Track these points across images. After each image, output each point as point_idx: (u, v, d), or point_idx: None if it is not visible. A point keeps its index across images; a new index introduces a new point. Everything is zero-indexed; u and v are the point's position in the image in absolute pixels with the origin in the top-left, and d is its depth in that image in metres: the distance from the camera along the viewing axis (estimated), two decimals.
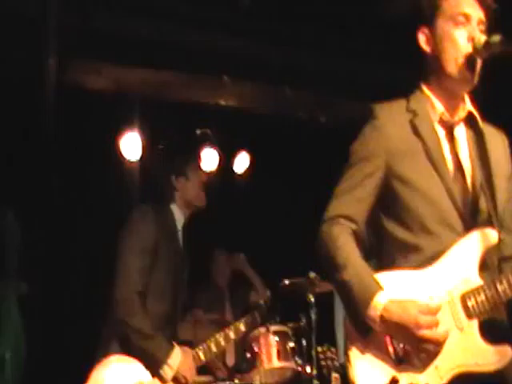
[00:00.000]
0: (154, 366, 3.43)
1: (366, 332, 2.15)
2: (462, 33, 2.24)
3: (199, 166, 3.86)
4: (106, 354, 3.44)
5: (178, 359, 3.47)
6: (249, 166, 6.24)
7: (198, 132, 5.99)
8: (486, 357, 2.10)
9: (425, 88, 2.36)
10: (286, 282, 4.38)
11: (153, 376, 3.44)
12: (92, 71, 5.01)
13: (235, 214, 6.02)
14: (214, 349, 3.69)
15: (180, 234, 3.77)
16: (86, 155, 5.38)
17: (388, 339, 2.15)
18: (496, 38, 2.17)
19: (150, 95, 5.27)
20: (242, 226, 5.98)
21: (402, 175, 2.26)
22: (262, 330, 4.26)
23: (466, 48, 2.23)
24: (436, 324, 2.07)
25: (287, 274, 4.32)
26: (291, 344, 4.29)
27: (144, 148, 5.74)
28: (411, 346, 2.09)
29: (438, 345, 2.06)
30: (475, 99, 2.38)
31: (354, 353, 2.19)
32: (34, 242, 4.83)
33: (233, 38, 4.91)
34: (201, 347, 3.67)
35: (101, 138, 5.43)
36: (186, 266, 3.82)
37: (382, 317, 2.10)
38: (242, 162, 6.27)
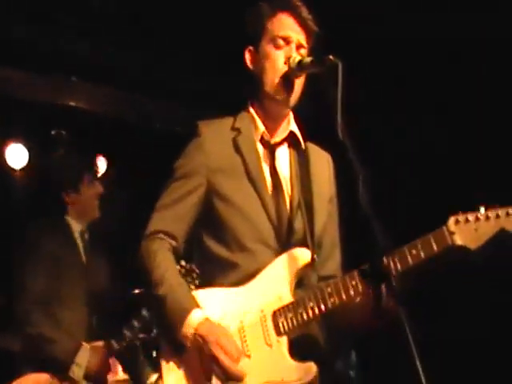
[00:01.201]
0: (61, 369, 3.40)
1: (180, 349, 2.15)
2: (280, 53, 2.29)
3: (92, 179, 3.88)
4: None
5: (85, 357, 3.44)
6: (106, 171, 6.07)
7: (53, 132, 5.82)
8: (292, 373, 2.13)
9: (250, 107, 2.39)
10: (136, 291, 4.32)
11: (63, 381, 3.40)
12: None
13: None
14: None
15: (79, 240, 3.80)
16: None
17: (199, 356, 2.14)
18: (308, 59, 2.23)
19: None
20: None
21: (222, 193, 2.28)
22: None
23: (283, 69, 2.27)
24: (235, 358, 2.08)
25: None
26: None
27: None
28: (213, 365, 2.09)
29: (229, 377, 2.07)
30: (303, 118, 2.41)
31: (167, 369, 2.18)
32: None
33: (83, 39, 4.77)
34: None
35: None
36: (92, 276, 3.79)
37: (194, 334, 2.11)
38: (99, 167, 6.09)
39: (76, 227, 3.81)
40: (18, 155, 5.56)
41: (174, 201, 2.29)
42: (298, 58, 2.25)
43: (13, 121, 5.34)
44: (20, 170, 5.60)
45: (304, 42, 2.32)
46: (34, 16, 4.54)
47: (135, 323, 3.84)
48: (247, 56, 2.37)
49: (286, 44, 2.30)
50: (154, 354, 4.29)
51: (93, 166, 4.01)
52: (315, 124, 2.50)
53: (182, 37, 4.85)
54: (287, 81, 2.27)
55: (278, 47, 2.29)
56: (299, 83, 2.31)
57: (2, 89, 5.04)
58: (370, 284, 1.97)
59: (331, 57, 2.10)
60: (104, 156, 6.00)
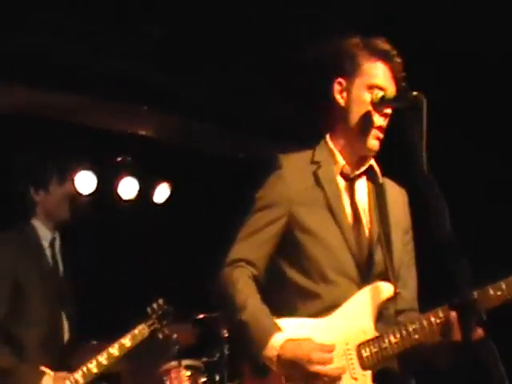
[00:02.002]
0: None
1: (263, 373, 2.18)
2: None
3: (63, 179, 3.73)
4: None
5: None
6: (168, 197, 6.17)
7: (119, 159, 5.94)
8: None
9: (329, 140, 2.44)
10: (200, 316, 4.35)
11: None
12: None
13: (152, 245, 5.95)
14: (94, 370, 3.48)
15: (48, 250, 3.65)
16: None
17: (283, 379, 2.16)
18: (391, 94, 2.29)
19: (65, 120, 5.16)
20: (158, 257, 5.91)
21: (304, 224, 2.32)
22: (174, 363, 4.20)
23: (377, 128, 2.34)
24: (329, 361, 2.12)
25: (201, 308, 4.26)
26: (203, 379, 4.27)
27: None
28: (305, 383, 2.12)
29: (330, 380, 2.10)
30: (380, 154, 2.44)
31: None
32: None
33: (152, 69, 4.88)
34: (79, 370, 3.46)
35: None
36: (64, 285, 3.69)
37: (278, 356, 2.14)
38: (162, 193, 6.19)
39: (44, 233, 3.65)
40: (86, 181, 5.71)
41: (255, 230, 2.35)
42: (381, 93, 2.30)
43: (82, 148, 5.48)
44: (88, 195, 5.75)
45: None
46: (106, 47, 4.67)
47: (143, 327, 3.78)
48: (336, 87, 2.40)
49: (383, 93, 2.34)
50: (217, 377, 4.33)
51: (64, 166, 3.81)
52: (388, 158, 2.53)
53: (249, 64, 4.92)
54: (378, 133, 2.35)
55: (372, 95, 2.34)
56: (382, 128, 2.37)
57: (72, 116, 5.19)
58: (460, 318, 2.01)
59: (415, 93, 2.14)
60: (168, 182, 6.12)
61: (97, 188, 5.63)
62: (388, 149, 2.43)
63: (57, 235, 3.72)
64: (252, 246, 2.34)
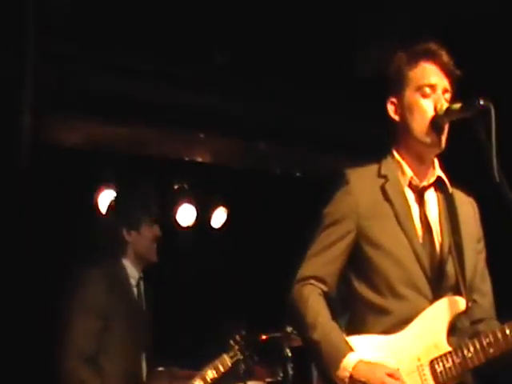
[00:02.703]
0: None
1: None
2: (429, 103, 2.32)
3: (153, 220, 3.79)
4: None
5: None
6: (226, 221, 6.21)
7: (176, 187, 6.02)
8: None
9: (395, 153, 2.42)
10: (264, 336, 4.35)
11: None
12: (67, 128, 5.01)
13: (211, 268, 5.98)
14: None
15: (135, 289, 3.73)
16: (61, 212, 5.33)
17: None
18: (457, 105, 2.26)
19: (124, 151, 5.27)
20: (218, 280, 5.94)
21: (373, 238, 2.31)
22: None
23: (432, 115, 2.30)
24: None
25: (264, 328, 4.27)
26: None
27: None
28: None
29: None
30: (445, 164, 2.43)
31: None
32: None
33: (208, 94, 4.95)
34: None
35: (77, 195, 5.40)
36: (146, 321, 3.76)
37: (351, 377, 2.13)
38: (219, 217, 6.25)
39: (133, 273, 3.72)
40: None
41: (325, 247, 2.34)
42: (446, 105, 2.28)
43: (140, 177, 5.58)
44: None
45: (449, 87, 2.34)
46: (162, 75, 4.75)
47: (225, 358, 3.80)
48: (390, 107, 2.41)
49: (433, 91, 2.32)
50: None
51: (153, 208, 3.88)
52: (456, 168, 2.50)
53: (299, 84, 4.94)
54: (437, 124, 2.29)
55: (424, 96, 2.32)
56: (447, 126, 2.33)
57: (128, 146, 5.30)
58: None
59: (482, 101, 2.12)
60: (225, 207, 6.18)
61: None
62: (456, 158, 2.39)
63: (142, 274, 3.81)
64: (322, 262, 2.33)
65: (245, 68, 4.90)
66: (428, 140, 2.31)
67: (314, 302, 2.28)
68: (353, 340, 2.23)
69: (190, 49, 4.68)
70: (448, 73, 2.34)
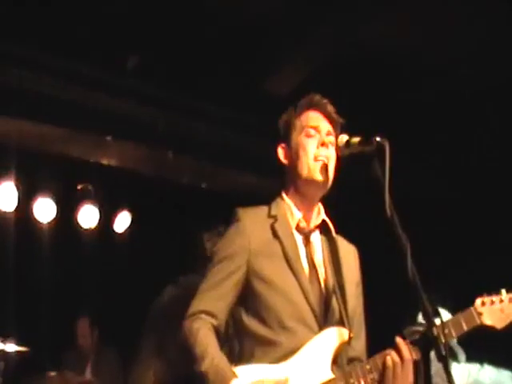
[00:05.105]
0: None
1: None
2: (313, 141, 2.46)
3: None
4: None
5: None
6: (129, 226, 6.15)
7: (79, 187, 5.92)
8: None
9: (284, 196, 2.53)
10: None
11: None
12: None
13: (112, 274, 5.91)
14: None
15: None
16: None
17: None
18: (355, 138, 2.35)
19: (29, 147, 5.13)
20: (118, 286, 5.88)
21: (262, 274, 2.38)
22: None
23: (316, 154, 2.43)
24: None
25: None
26: None
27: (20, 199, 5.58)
28: None
29: None
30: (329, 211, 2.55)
31: None
32: None
33: (118, 98, 4.90)
34: None
35: None
36: None
37: None
38: (122, 222, 6.17)
39: None
40: (45, 209, 5.67)
41: (215, 282, 2.40)
42: (346, 137, 2.37)
43: (41, 175, 5.45)
44: (47, 223, 5.71)
45: (332, 131, 2.49)
46: (74, 74, 4.68)
47: None
48: (280, 152, 2.53)
49: (317, 132, 2.46)
50: None
51: None
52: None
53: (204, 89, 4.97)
54: (323, 166, 2.42)
55: (309, 136, 2.46)
56: (332, 168, 2.45)
57: (34, 144, 5.16)
58: (421, 349, 2.15)
59: (378, 138, 2.22)
60: (129, 211, 6.11)
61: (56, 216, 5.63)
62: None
63: None
64: (212, 297, 2.38)
65: (158, 76, 4.88)
66: (315, 177, 2.42)
67: (203, 336, 2.31)
68: (239, 369, 2.26)
69: (105, 51, 4.62)
70: (331, 119, 2.50)
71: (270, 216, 2.47)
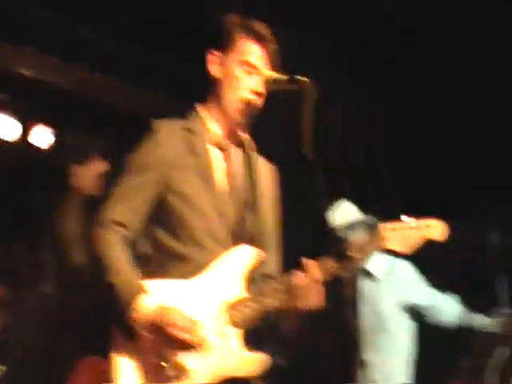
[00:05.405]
0: None
1: (131, 336, 2.20)
2: (248, 82, 2.43)
3: None
4: None
5: None
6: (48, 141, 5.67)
7: None
8: (246, 364, 2.26)
9: (201, 110, 2.51)
10: None
11: None
12: None
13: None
14: None
15: None
16: None
17: (151, 344, 2.19)
18: (284, 76, 2.40)
19: None
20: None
21: (177, 188, 2.36)
22: None
23: (251, 96, 2.42)
24: (192, 330, 2.17)
25: None
26: None
27: None
28: (168, 348, 2.17)
29: (192, 346, 2.16)
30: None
31: (119, 358, 2.22)
32: None
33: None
34: None
35: None
36: None
37: (142, 319, 2.16)
38: (40, 135, 5.70)
39: None
40: None
41: (128, 192, 2.35)
42: (275, 74, 2.41)
43: None
44: None
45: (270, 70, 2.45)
46: None
47: None
48: (210, 59, 2.49)
49: (256, 72, 2.43)
50: None
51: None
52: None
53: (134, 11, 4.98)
54: (248, 107, 2.43)
55: (247, 73, 2.43)
56: (256, 107, 2.45)
57: None
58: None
59: (306, 78, 2.29)
60: (49, 126, 5.66)
61: None
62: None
63: None
64: (126, 209, 2.33)
65: None
66: (235, 118, 2.44)
67: (114, 247, 2.27)
68: (151, 284, 2.26)
69: None
70: (272, 64, 2.46)
71: (185, 129, 2.43)
